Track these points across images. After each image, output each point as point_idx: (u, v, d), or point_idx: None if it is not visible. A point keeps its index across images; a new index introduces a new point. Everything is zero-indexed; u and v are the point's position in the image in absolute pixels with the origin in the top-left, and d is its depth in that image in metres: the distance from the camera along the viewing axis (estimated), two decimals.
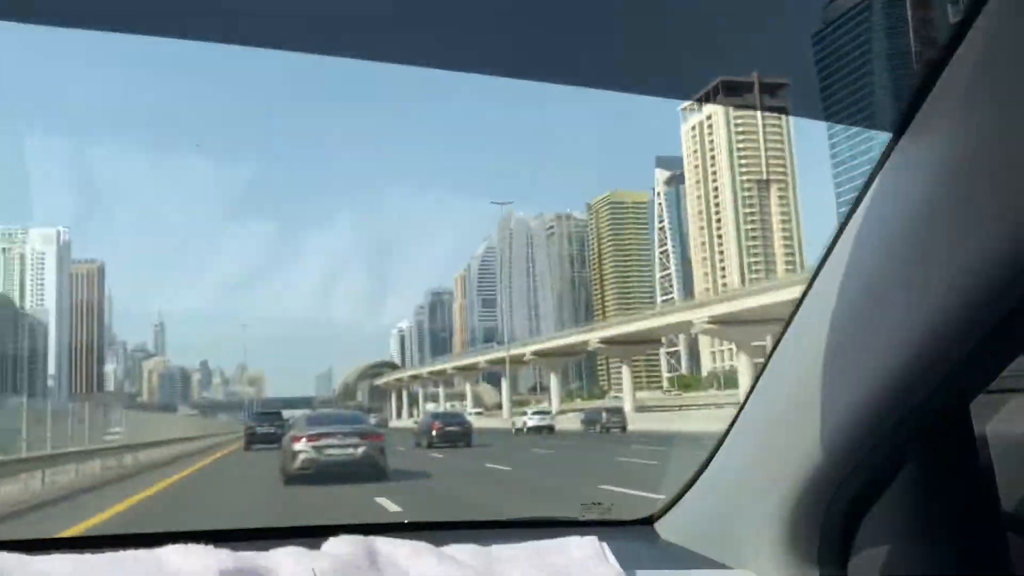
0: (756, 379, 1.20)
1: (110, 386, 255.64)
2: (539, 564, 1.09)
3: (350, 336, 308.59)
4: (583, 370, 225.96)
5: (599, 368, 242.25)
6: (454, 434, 27.35)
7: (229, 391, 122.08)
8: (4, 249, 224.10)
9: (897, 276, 0.82)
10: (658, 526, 1.52)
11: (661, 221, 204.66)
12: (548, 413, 46.46)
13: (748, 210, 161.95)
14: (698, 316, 67.65)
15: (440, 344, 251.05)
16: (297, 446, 13.10)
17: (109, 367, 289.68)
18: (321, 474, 13.10)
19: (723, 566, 1.25)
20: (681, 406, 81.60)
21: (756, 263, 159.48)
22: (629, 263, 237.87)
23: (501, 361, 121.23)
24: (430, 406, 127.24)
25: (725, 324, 63.58)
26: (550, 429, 40.67)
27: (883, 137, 0.84)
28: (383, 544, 1.08)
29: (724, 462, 1.33)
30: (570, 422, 46.88)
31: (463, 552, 1.11)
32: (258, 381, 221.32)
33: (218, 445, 33.26)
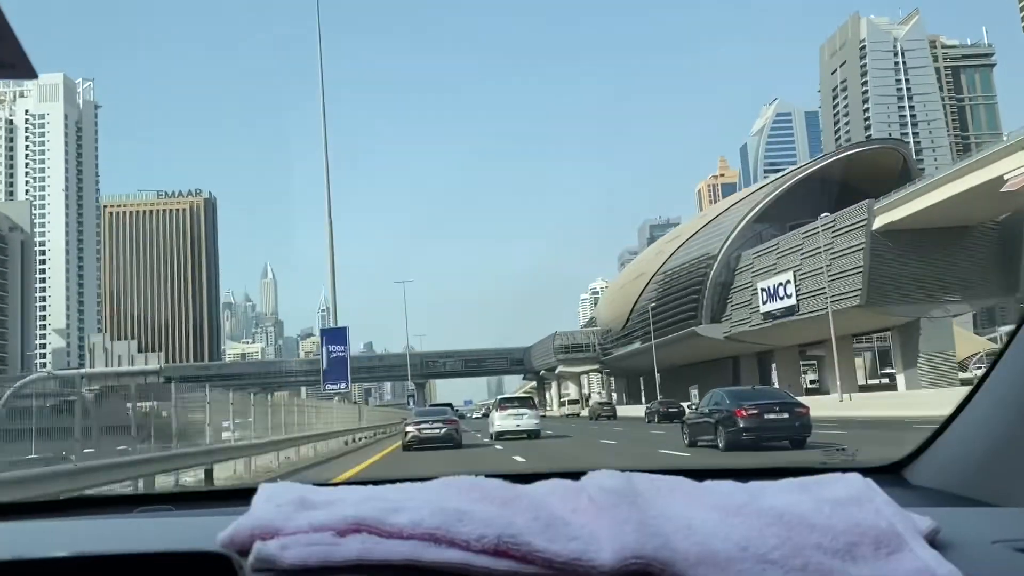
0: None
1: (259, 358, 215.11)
2: (807, 496, 1.02)
3: (524, 315, 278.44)
4: None
5: None
6: (780, 428, 15.67)
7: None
8: None
9: None
10: (906, 473, 1.42)
11: None
12: None
13: None
14: None
15: None
16: (409, 428, 23.74)
17: (255, 345, 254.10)
18: (421, 443, 22.66)
19: (992, 504, 1.16)
20: None
21: None
22: None
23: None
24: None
25: None
26: None
27: None
28: (641, 479, 1.05)
29: (990, 398, 1.24)
30: None
31: (723, 486, 1.06)
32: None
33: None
